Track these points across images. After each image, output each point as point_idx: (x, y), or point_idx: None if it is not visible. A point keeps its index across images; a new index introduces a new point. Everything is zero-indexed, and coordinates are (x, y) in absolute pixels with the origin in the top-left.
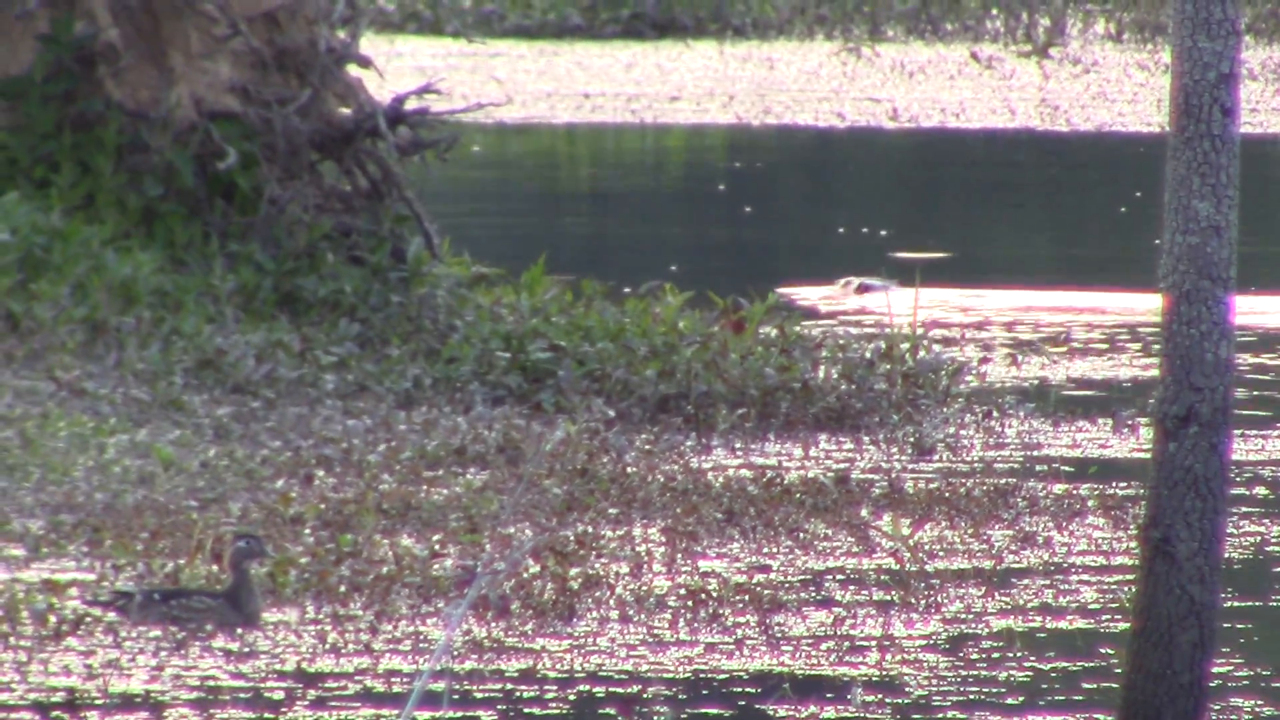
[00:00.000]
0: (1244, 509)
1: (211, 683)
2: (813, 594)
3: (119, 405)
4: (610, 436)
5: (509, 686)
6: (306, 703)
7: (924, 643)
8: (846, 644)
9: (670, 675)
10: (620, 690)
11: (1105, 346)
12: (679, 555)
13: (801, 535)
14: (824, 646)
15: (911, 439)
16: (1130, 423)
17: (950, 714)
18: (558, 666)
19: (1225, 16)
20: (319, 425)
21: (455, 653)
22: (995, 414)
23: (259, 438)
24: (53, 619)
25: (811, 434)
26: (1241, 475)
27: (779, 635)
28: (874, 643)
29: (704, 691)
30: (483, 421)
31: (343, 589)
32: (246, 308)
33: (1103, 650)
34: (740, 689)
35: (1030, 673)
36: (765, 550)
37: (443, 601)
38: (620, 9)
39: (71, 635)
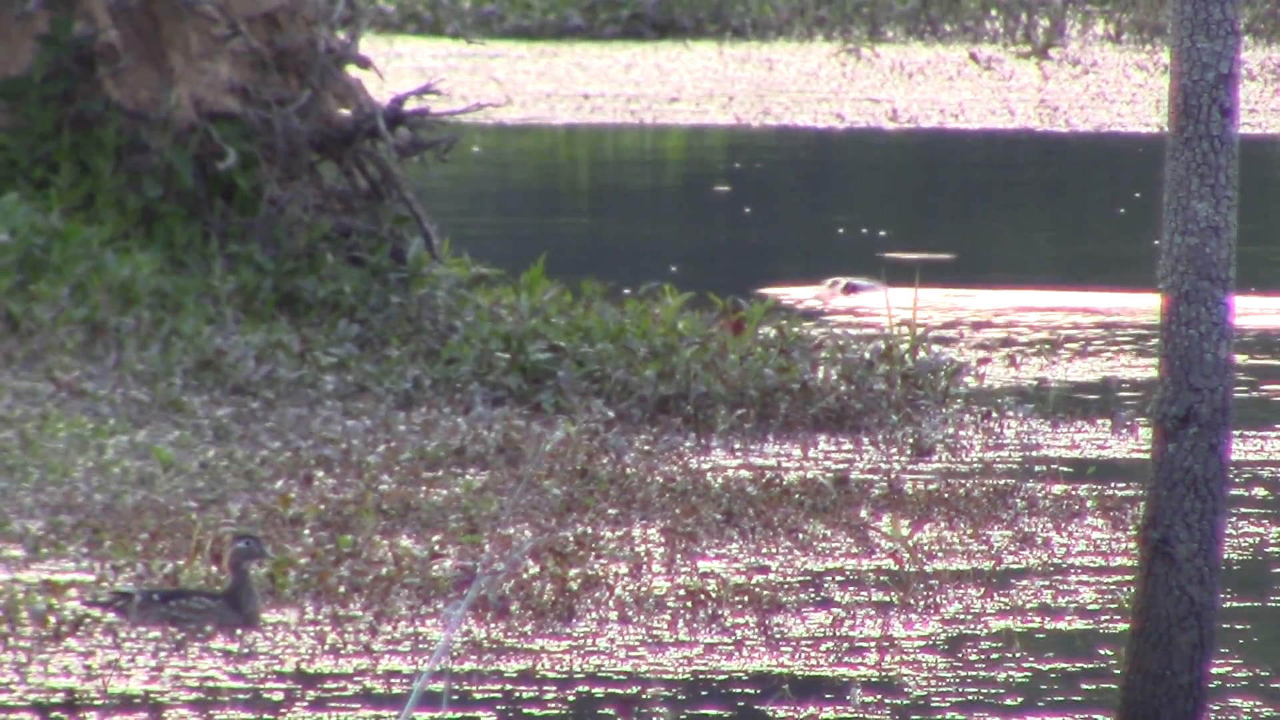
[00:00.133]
0: (1243, 509)
1: (211, 683)
2: (812, 595)
3: (118, 406)
4: (610, 437)
5: (508, 687)
6: (306, 703)
7: (923, 643)
8: (846, 645)
9: (670, 676)
10: (620, 691)
11: (1104, 347)
12: (678, 556)
13: (801, 536)
14: (823, 647)
15: (910, 440)
16: (1129, 423)
17: (949, 714)
18: (557, 667)
19: (1224, 17)
20: (318, 426)
21: (454, 653)
22: (994, 415)
23: (258, 438)
24: (52, 620)
25: (810, 435)
26: (1241, 476)
27: (778, 636)
28: (873, 643)
29: (703, 692)
30: (482, 422)
31: (342, 590)
32: (246, 308)
33: (1102, 651)
34: (739, 690)
35: (1029, 673)
36: (764, 551)
37: (442, 602)
38: (620, 10)
39: (71, 636)
